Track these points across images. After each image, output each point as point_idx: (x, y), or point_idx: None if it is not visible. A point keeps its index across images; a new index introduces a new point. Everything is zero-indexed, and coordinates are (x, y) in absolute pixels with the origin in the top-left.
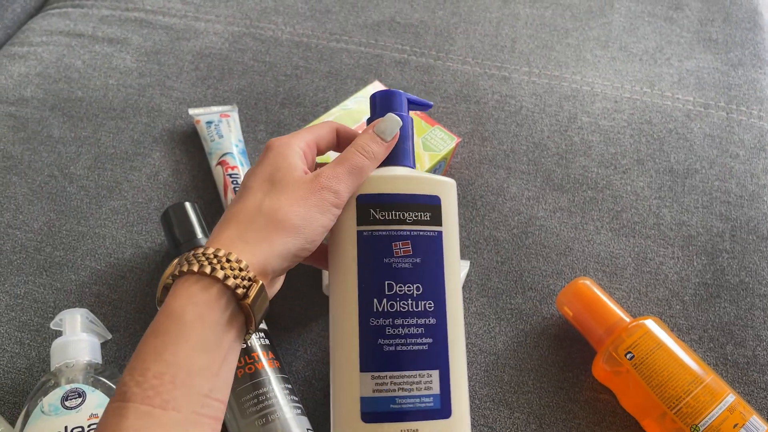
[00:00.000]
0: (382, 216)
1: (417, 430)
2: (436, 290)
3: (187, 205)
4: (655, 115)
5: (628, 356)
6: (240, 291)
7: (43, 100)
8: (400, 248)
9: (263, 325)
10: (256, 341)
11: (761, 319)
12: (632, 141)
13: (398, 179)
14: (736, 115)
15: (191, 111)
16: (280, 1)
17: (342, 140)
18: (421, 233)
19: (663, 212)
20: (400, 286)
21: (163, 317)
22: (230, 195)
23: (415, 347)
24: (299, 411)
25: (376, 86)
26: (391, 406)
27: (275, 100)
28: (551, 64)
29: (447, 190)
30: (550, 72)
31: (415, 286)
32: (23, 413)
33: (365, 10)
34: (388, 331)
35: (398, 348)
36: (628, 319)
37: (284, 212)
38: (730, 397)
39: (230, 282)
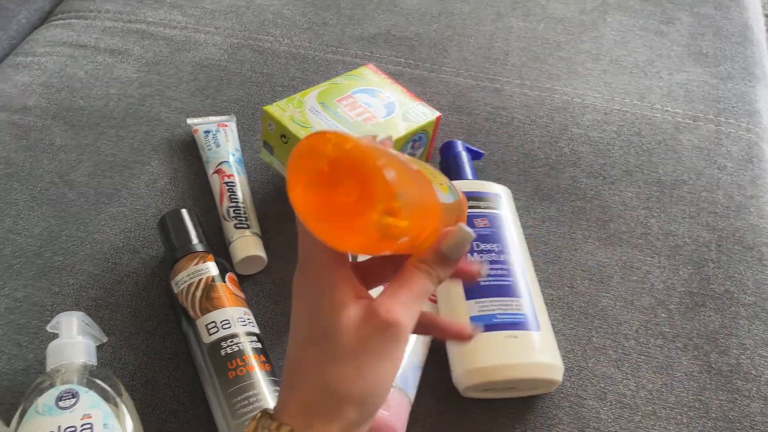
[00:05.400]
0: None
1: (517, 336)
2: (508, 247)
3: (183, 211)
4: (644, 127)
5: None
6: None
7: (45, 108)
8: (480, 222)
9: (255, 329)
10: (248, 344)
11: (745, 328)
12: (621, 152)
13: (469, 183)
14: (724, 128)
15: (189, 120)
16: (278, 14)
17: None
18: (492, 213)
19: (650, 222)
20: (485, 245)
21: None
22: (226, 202)
23: (502, 282)
24: None
25: (370, 68)
26: (494, 320)
27: None
28: (543, 76)
29: (504, 191)
30: (542, 84)
31: (495, 245)
32: (18, 413)
33: (362, 23)
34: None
35: (491, 283)
36: None
37: (346, 384)
38: None
39: None
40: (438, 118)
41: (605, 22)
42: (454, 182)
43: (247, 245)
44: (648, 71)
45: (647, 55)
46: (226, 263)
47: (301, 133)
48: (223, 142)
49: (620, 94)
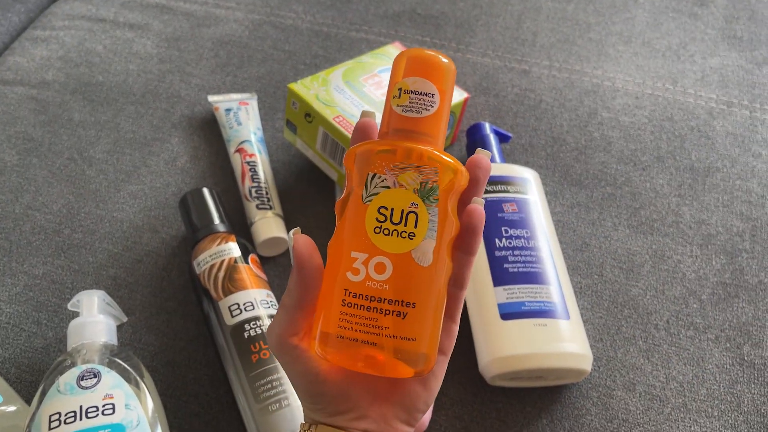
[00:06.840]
0: (491, 189)
1: (546, 325)
2: (537, 233)
3: (205, 191)
4: (676, 112)
5: None
6: None
7: (64, 83)
8: (509, 207)
9: None
10: None
11: None
12: (653, 138)
13: (498, 167)
14: (759, 114)
15: (210, 98)
16: None
17: None
18: (521, 198)
19: (682, 210)
20: (514, 230)
21: None
22: (248, 182)
23: (531, 269)
24: None
25: (397, 47)
26: (522, 308)
27: None
28: (572, 58)
29: (533, 175)
30: (571, 66)
31: (524, 230)
32: (39, 392)
33: (386, 1)
34: (510, 259)
35: (519, 269)
36: None
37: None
38: None
39: None
40: (466, 99)
41: (637, 3)
42: None
43: (270, 226)
44: (681, 55)
45: (680, 38)
46: (248, 244)
47: (326, 112)
48: (245, 121)
49: (652, 77)
